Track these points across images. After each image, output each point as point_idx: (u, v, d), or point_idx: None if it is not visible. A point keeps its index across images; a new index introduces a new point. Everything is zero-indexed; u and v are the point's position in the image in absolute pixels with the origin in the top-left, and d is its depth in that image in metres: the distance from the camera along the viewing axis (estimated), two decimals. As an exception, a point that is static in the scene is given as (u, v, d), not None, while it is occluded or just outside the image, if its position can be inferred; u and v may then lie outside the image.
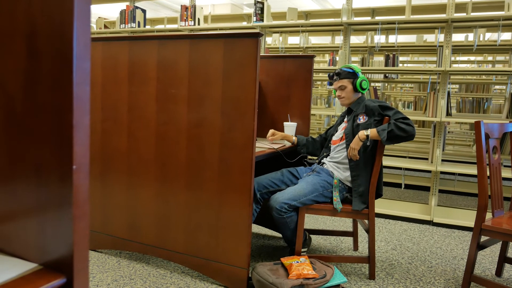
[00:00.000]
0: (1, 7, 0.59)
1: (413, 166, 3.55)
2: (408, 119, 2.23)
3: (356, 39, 11.51)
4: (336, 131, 2.60)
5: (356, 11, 4.87)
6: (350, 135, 2.40)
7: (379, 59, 5.90)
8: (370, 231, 2.31)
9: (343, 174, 2.42)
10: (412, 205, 3.78)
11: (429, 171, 5.43)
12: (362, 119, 2.40)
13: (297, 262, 2.10)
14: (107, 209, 2.55)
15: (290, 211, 2.27)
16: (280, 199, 2.27)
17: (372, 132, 2.27)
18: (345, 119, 2.56)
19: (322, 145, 2.71)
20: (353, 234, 2.79)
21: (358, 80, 2.45)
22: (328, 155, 2.57)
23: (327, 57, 8.79)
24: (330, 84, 6.80)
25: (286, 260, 2.13)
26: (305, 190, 2.30)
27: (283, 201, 2.26)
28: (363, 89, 2.48)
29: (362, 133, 2.29)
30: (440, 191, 4.74)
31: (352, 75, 2.48)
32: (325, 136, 2.72)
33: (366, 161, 2.34)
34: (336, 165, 2.46)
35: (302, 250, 2.70)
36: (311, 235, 3.05)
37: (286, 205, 2.26)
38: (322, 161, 2.57)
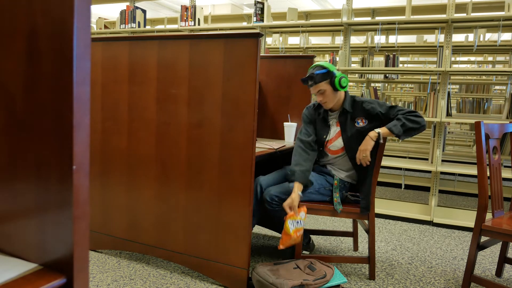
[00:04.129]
0: (1, 7, 0.59)
1: (413, 167, 3.55)
2: (415, 111, 2.21)
3: (356, 39, 11.51)
4: (327, 133, 2.38)
5: (356, 11, 4.87)
6: (351, 142, 2.31)
7: (379, 59, 5.89)
8: (370, 231, 2.31)
9: (343, 173, 2.41)
10: (412, 206, 3.77)
11: (429, 172, 5.43)
12: (361, 123, 2.30)
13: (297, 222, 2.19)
14: (107, 209, 2.54)
15: (281, 205, 2.28)
16: (272, 191, 2.30)
17: (383, 129, 2.19)
18: (337, 120, 2.37)
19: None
20: (353, 234, 2.79)
21: (336, 79, 2.24)
22: (327, 161, 2.46)
23: (327, 58, 8.79)
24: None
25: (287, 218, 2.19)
26: None
27: (274, 194, 2.28)
28: (343, 87, 2.27)
29: (373, 133, 2.20)
30: (440, 191, 4.74)
31: (327, 75, 2.26)
32: (313, 143, 2.39)
33: (373, 162, 2.30)
34: (337, 167, 2.45)
35: (304, 252, 2.70)
36: (311, 236, 3.05)
37: (276, 197, 2.28)
38: (321, 164, 2.53)
